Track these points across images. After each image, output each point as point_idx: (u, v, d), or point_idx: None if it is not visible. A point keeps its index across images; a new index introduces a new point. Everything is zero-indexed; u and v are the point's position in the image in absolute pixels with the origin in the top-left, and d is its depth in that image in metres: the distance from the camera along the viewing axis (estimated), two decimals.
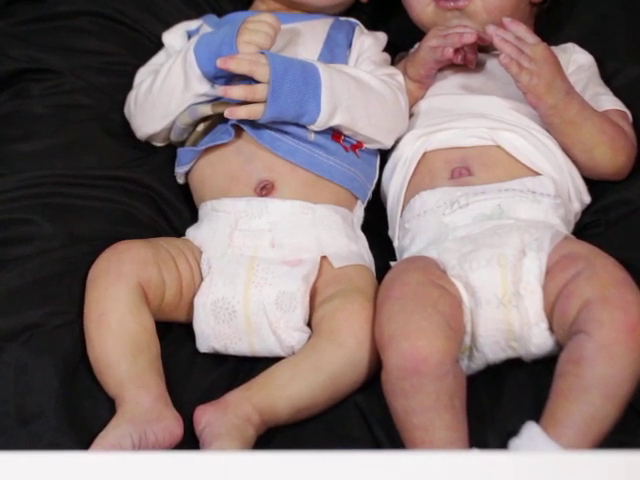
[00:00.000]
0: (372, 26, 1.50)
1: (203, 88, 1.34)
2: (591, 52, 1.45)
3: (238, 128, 1.34)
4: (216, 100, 1.34)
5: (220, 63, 1.28)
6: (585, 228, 1.36)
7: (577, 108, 1.31)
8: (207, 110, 1.34)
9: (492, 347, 1.22)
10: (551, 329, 1.20)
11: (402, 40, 1.51)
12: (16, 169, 1.37)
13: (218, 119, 1.35)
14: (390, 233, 1.38)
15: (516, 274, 1.20)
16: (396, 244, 1.36)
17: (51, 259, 1.29)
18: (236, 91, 1.29)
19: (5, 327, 1.23)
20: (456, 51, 1.36)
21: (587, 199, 1.37)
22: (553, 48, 1.39)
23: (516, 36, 1.30)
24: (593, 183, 1.37)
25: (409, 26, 1.47)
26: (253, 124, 1.32)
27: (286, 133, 1.32)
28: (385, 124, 1.36)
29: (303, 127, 1.32)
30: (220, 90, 1.30)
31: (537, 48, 1.30)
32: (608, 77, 1.45)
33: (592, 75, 1.43)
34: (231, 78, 1.32)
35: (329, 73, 1.31)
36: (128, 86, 1.46)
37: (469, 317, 1.21)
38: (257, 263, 1.27)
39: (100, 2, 1.52)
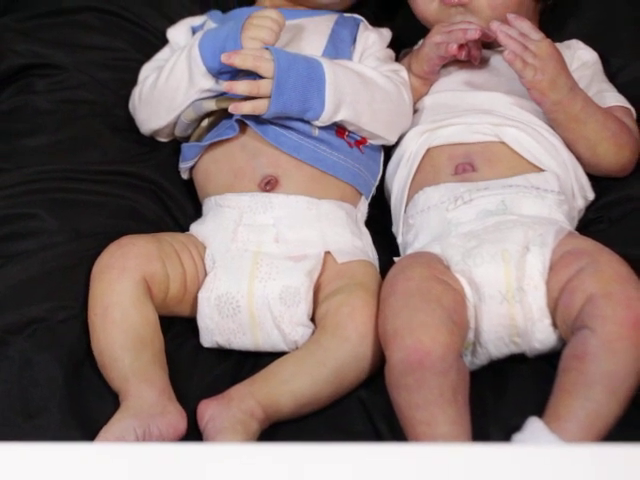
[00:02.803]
0: (377, 22, 1.50)
1: (208, 83, 1.34)
2: (595, 48, 1.45)
3: (243, 124, 1.34)
4: (221, 95, 1.35)
5: (224, 58, 1.29)
6: (588, 225, 1.36)
7: (581, 104, 1.31)
8: (211, 105, 1.35)
9: (495, 342, 1.22)
10: (554, 325, 1.20)
11: (407, 36, 1.51)
12: (21, 164, 1.38)
13: (223, 114, 1.36)
14: (394, 229, 1.38)
15: (520, 270, 1.20)
16: (400, 240, 1.36)
17: (56, 254, 1.29)
18: (240, 86, 1.29)
19: (10, 321, 1.23)
20: (460, 47, 1.37)
21: (591, 196, 1.37)
22: (557, 44, 1.39)
23: (520, 32, 1.30)
24: (597, 180, 1.38)
25: (414, 22, 1.47)
26: (258, 120, 1.32)
27: (290, 129, 1.32)
28: (389, 120, 1.36)
29: (307, 123, 1.32)
30: (225, 85, 1.30)
31: (541, 44, 1.30)
32: (613, 73, 1.45)
33: (596, 72, 1.43)
34: (236, 73, 1.32)
35: (333, 68, 1.31)
36: (132, 82, 1.46)
37: (473, 312, 1.21)
38: (261, 258, 1.27)
39: None
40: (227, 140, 1.34)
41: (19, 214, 1.33)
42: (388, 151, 1.42)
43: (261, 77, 1.29)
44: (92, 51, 1.49)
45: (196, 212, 1.40)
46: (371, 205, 1.40)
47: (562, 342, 1.20)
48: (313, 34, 1.41)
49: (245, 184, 1.32)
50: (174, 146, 1.43)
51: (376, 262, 1.34)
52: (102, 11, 1.52)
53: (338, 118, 1.31)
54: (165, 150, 1.44)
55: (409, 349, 1.14)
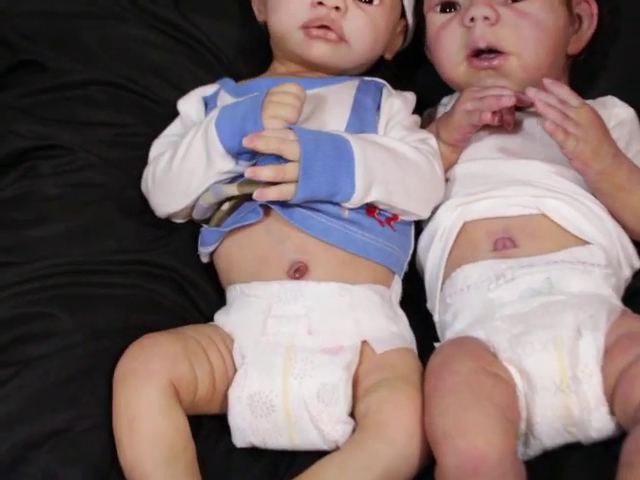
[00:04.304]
0: (398, 83, 1.42)
1: (227, 165, 1.26)
2: (629, 102, 1.37)
3: (266, 206, 1.26)
4: (240, 177, 1.26)
5: (246, 142, 1.20)
6: (636, 293, 1.29)
7: (626, 172, 1.24)
8: (233, 190, 1.26)
9: (550, 433, 1.15)
10: (612, 412, 1.13)
11: (429, 95, 1.44)
12: (31, 257, 1.29)
13: (244, 197, 1.27)
14: (429, 306, 1.31)
15: (573, 356, 1.14)
16: (436, 318, 1.29)
17: (74, 356, 1.21)
18: (265, 172, 1.21)
19: (29, 434, 1.15)
20: (493, 113, 1.29)
21: (638, 264, 1.30)
22: (592, 102, 1.32)
23: (559, 99, 1.23)
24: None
25: (436, 80, 1.40)
26: (283, 202, 1.23)
27: (318, 211, 1.24)
28: (422, 195, 1.28)
29: (336, 204, 1.24)
30: (248, 172, 1.21)
31: (582, 111, 1.22)
32: None
33: (634, 130, 1.35)
34: (256, 153, 1.24)
35: (362, 146, 1.23)
36: (143, 159, 1.37)
37: (524, 403, 1.14)
38: (295, 352, 1.19)
39: (108, 70, 1.44)
40: (250, 224, 1.26)
41: (33, 313, 1.24)
42: (418, 222, 1.34)
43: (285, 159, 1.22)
44: (98, 128, 1.40)
45: (219, 297, 1.32)
46: (403, 279, 1.33)
47: (620, 429, 1.13)
48: (335, 105, 1.32)
49: (272, 271, 1.24)
50: (192, 227, 1.35)
51: (414, 345, 1.27)
52: (106, 84, 1.42)
53: (370, 199, 1.23)
54: (183, 232, 1.35)
55: (463, 454, 1.07)
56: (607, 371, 1.13)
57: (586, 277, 1.21)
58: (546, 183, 1.27)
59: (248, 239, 1.27)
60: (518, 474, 1.09)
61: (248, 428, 1.19)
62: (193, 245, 1.34)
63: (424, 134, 1.34)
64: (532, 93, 1.22)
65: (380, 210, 1.27)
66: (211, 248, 1.30)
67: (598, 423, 1.13)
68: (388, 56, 1.44)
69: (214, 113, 1.27)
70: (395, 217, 1.29)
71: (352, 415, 1.19)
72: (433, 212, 1.31)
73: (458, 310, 1.25)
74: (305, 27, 1.34)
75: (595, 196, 1.27)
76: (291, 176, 1.21)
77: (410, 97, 1.38)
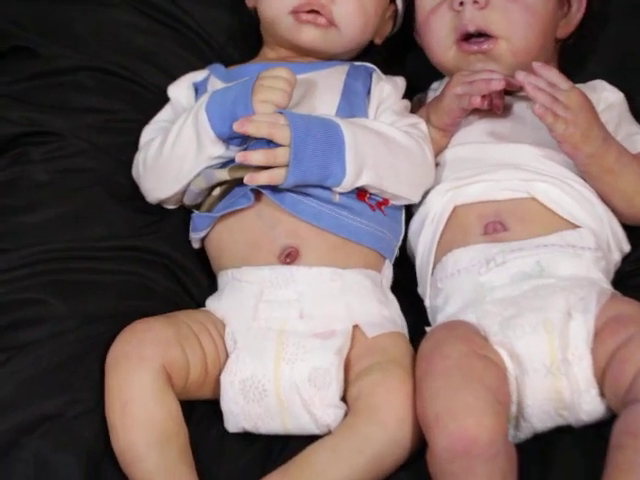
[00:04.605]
0: (388, 68, 1.42)
1: (217, 150, 1.26)
2: (618, 86, 1.38)
3: (257, 191, 1.26)
4: (231, 162, 1.27)
5: (237, 126, 1.20)
6: (625, 277, 1.29)
7: (615, 155, 1.24)
8: (224, 175, 1.26)
9: (540, 416, 1.15)
10: (602, 394, 1.14)
11: (419, 80, 1.44)
12: (21, 243, 1.28)
13: (235, 182, 1.27)
14: (420, 291, 1.31)
15: (563, 339, 1.14)
16: (427, 303, 1.29)
17: (66, 342, 1.21)
18: (256, 156, 1.21)
19: (21, 419, 1.15)
20: (482, 97, 1.29)
21: (627, 248, 1.30)
22: (582, 86, 1.32)
23: (548, 82, 1.23)
24: (631, 229, 1.31)
25: (425, 65, 1.40)
26: (274, 187, 1.24)
27: (309, 195, 1.24)
28: (412, 180, 1.28)
29: (327, 188, 1.24)
30: (239, 156, 1.21)
31: (571, 94, 1.22)
32: (639, 113, 1.38)
33: (622, 113, 1.36)
34: (246, 138, 1.24)
35: (352, 131, 1.23)
36: (133, 145, 1.37)
37: (515, 386, 1.15)
38: (286, 337, 1.20)
39: (98, 56, 1.44)
40: (241, 209, 1.26)
41: (24, 299, 1.24)
42: (409, 207, 1.34)
43: (276, 143, 1.22)
44: (88, 114, 1.40)
45: (211, 283, 1.32)
46: (393, 264, 1.33)
47: (610, 411, 1.13)
48: (325, 90, 1.32)
49: (263, 256, 1.25)
50: (183, 213, 1.35)
51: (405, 330, 1.27)
52: (97, 70, 1.42)
53: (360, 183, 1.24)
54: (174, 218, 1.35)
55: (454, 436, 1.07)
56: (597, 353, 1.13)
57: (576, 260, 1.22)
58: (536, 167, 1.27)
59: (239, 224, 1.27)
60: (509, 456, 1.09)
61: (240, 413, 1.19)
62: (184, 230, 1.34)
63: (414, 119, 1.34)
64: (521, 77, 1.22)
65: (371, 194, 1.28)
66: (202, 233, 1.31)
67: (588, 405, 1.14)
68: (378, 41, 1.44)
69: (204, 98, 1.27)
70: (386, 202, 1.29)
71: (344, 399, 1.19)
72: (424, 196, 1.31)
73: (449, 294, 1.25)
74: (295, 12, 1.34)
75: (585, 179, 1.27)
76: (282, 160, 1.21)
77: (400, 82, 1.39)
